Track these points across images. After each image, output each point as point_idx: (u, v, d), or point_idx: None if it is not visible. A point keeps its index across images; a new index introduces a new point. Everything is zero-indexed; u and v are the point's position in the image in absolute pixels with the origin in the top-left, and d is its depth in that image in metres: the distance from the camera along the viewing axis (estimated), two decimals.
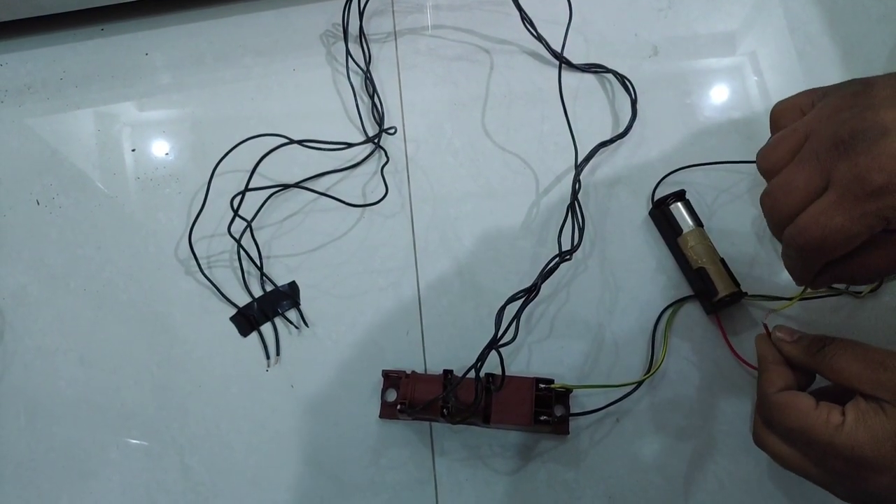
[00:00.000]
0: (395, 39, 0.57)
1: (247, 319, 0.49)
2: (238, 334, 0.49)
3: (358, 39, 0.55)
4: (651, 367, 0.45)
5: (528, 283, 0.42)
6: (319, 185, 0.52)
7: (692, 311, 0.46)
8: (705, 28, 0.54)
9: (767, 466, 0.43)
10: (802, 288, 0.37)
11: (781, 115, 0.35)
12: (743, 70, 0.53)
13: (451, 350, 0.47)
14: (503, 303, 0.40)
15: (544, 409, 0.42)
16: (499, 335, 0.39)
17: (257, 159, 0.51)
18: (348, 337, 0.48)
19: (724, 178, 0.49)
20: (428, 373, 0.46)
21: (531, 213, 0.50)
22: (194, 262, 0.50)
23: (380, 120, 0.53)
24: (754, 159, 0.48)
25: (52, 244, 0.53)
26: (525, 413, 0.41)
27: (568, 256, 0.43)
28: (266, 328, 0.49)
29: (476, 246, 0.50)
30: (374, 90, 0.54)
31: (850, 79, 0.33)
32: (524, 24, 0.52)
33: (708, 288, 0.44)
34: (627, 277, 0.48)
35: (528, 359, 0.46)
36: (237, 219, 0.50)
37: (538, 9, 0.52)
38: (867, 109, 0.30)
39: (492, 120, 0.53)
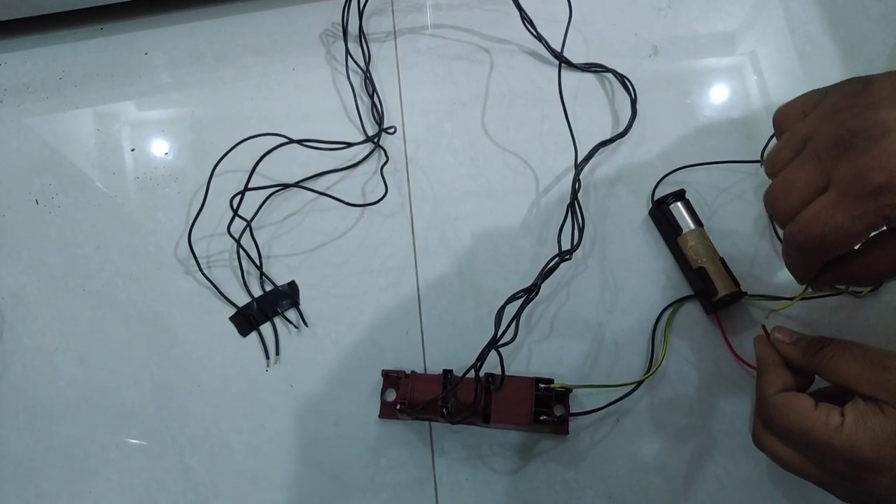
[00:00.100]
0: (395, 39, 0.57)
1: (246, 319, 0.49)
2: (237, 334, 0.49)
3: (357, 39, 0.55)
4: (651, 367, 0.45)
5: (527, 283, 0.42)
6: (319, 184, 0.52)
7: (692, 311, 0.46)
8: (705, 28, 0.54)
9: (767, 466, 0.43)
10: (803, 288, 0.37)
11: (784, 118, 0.35)
12: (743, 70, 0.53)
13: (451, 350, 0.47)
14: (503, 302, 0.40)
15: (544, 408, 0.42)
16: (498, 335, 0.39)
17: (257, 159, 0.51)
18: (348, 337, 0.48)
19: (724, 178, 0.49)
20: (427, 372, 0.46)
21: (531, 212, 0.50)
22: (194, 262, 0.50)
23: (379, 119, 0.53)
24: (754, 159, 0.49)
25: (51, 244, 0.53)
26: (525, 413, 0.41)
27: (568, 256, 0.43)
28: (265, 328, 0.49)
29: (476, 245, 0.50)
30: (374, 89, 0.54)
31: (850, 77, 0.33)
32: (524, 23, 0.52)
33: (708, 288, 0.44)
34: (627, 277, 0.48)
35: (527, 358, 0.46)
36: (237, 218, 0.50)
37: (538, 8, 0.52)
38: (867, 108, 0.30)
39: (492, 119, 0.53)
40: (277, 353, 0.48)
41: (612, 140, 0.51)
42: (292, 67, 0.56)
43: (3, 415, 0.48)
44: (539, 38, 0.53)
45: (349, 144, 0.51)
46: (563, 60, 0.51)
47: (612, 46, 0.54)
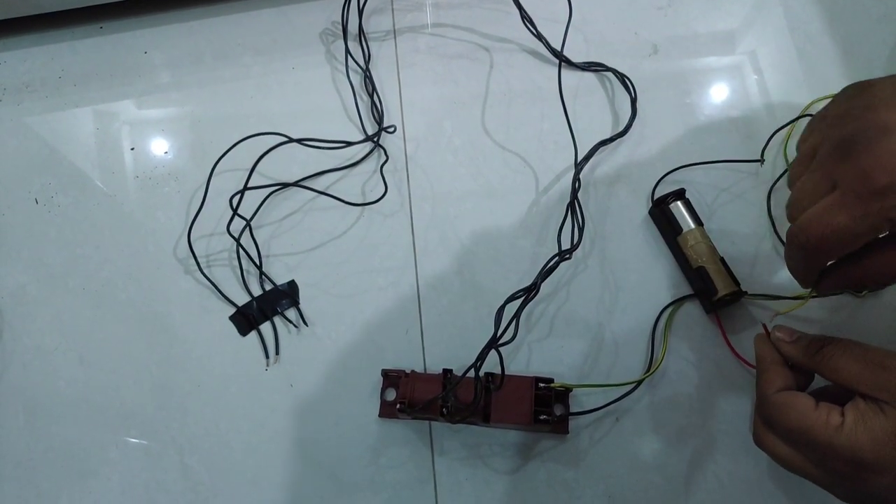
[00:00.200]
0: (395, 38, 0.57)
1: (246, 319, 0.49)
2: (237, 333, 0.49)
3: (357, 38, 0.55)
4: (651, 367, 0.45)
5: (527, 283, 0.42)
6: (319, 183, 0.52)
7: (692, 311, 0.46)
8: (705, 27, 0.54)
9: (767, 466, 0.43)
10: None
11: (801, 143, 0.36)
12: (743, 69, 0.53)
13: (451, 349, 0.47)
14: (503, 302, 0.40)
15: (544, 408, 0.42)
16: (498, 334, 0.39)
17: (256, 158, 0.50)
18: (348, 336, 0.48)
19: (724, 177, 0.49)
20: (427, 372, 0.46)
21: (531, 211, 0.50)
22: (193, 261, 0.50)
23: (379, 118, 0.53)
24: (754, 158, 0.49)
25: (50, 243, 0.52)
26: (525, 412, 0.41)
27: (567, 255, 0.43)
28: (265, 327, 0.49)
29: (476, 245, 0.50)
30: (374, 89, 0.54)
31: (852, 83, 0.33)
32: (524, 22, 0.52)
33: (707, 287, 0.44)
34: (627, 276, 0.48)
35: (527, 358, 0.46)
36: (236, 217, 0.49)
37: (538, 7, 0.52)
38: (867, 111, 0.30)
39: (491, 118, 0.53)
40: (277, 352, 0.48)
41: (612, 139, 0.51)
42: (292, 66, 0.56)
43: (3, 415, 0.48)
44: (539, 36, 0.53)
45: (349, 143, 0.51)
46: (563, 59, 0.51)
47: (612, 45, 0.54)
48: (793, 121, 0.49)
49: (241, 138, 0.50)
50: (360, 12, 0.55)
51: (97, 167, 0.54)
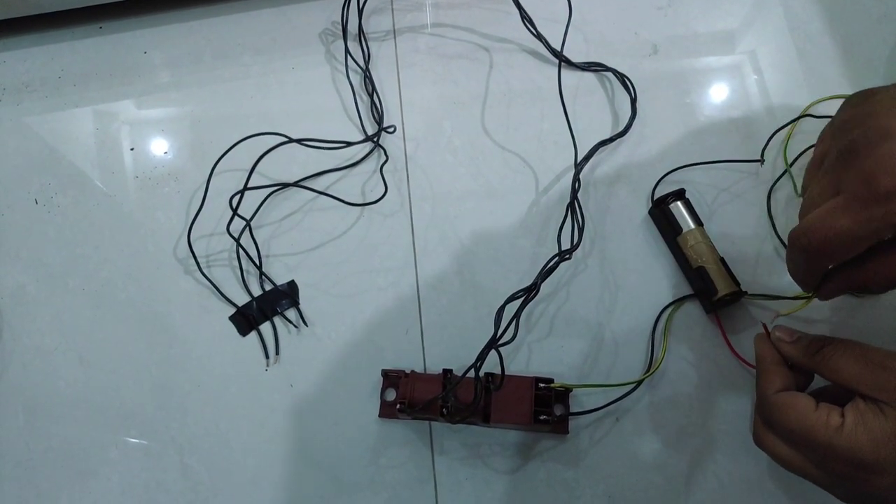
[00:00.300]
0: (395, 38, 0.57)
1: (246, 319, 0.49)
2: (237, 334, 0.49)
3: (357, 38, 0.55)
4: (650, 367, 0.45)
5: (527, 283, 0.42)
6: (318, 183, 0.52)
7: (692, 311, 0.46)
8: (705, 27, 0.54)
9: (767, 466, 0.43)
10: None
11: (813, 153, 0.36)
12: (742, 69, 0.53)
13: (451, 349, 0.47)
14: (503, 302, 0.40)
15: (544, 408, 0.42)
16: (498, 334, 0.39)
17: (256, 158, 0.50)
18: (347, 336, 0.48)
19: (724, 177, 0.49)
20: (427, 372, 0.46)
21: (531, 211, 0.50)
22: (193, 262, 0.50)
23: (379, 118, 0.53)
24: (754, 158, 0.49)
25: (50, 243, 0.52)
26: (525, 412, 0.41)
27: (567, 255, 0.43)
28: (265, 327, 0.49)
29: (476, 245, 0.50)
30: (374, 89, 0.54)
31: (855, 91, 0.34)
32: (524, 22, 0.52)
33: (707, 287, 0.44)
34: (627, 276, 0.48)
35: (527, 358, 0.46)
36: (236, 218, 0.49)
37: (538, 7, 0.52)
38: (868, 117, 0.31)
39: (491, 118, 0.53)
40: (277, 352, 0.48)
41: (611, 139, 0.51)
42: (292, 66, 0.56)
43: (3, 415, 0.48)
44: (539, 36, 0.53)
45: (349, 143, 0.51)
46: (562, 59, 0.51)
47: (611, 45, 0.54)
48: (793, 121, 0.49)
49: (240, 138, 0.50)
50: (360, 12, 0.55)
51: (97, 167, 0.54)
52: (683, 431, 0.44)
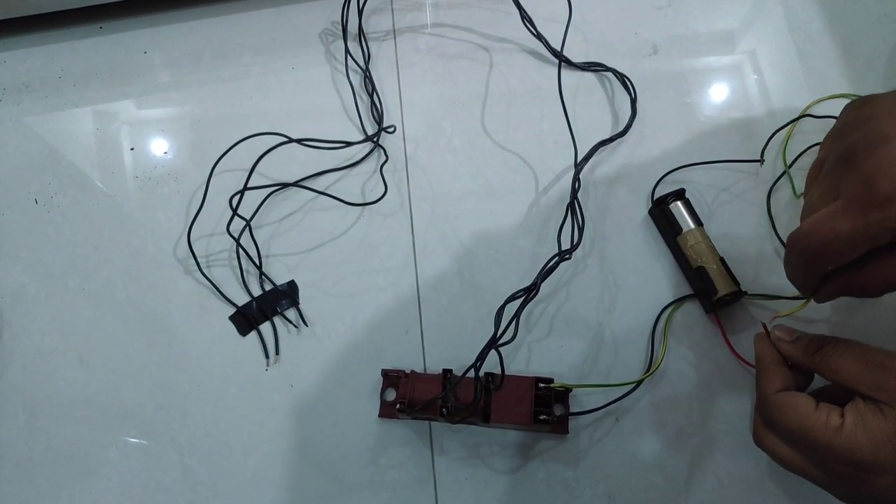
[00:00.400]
0: (395, 38, 0.57)
1: (246, 319, 0.49)
2: (237, 334, 0.49)
3: (357, 38, 0.55)
4: (650, 366, 0.45)
5: (527, 283, 0.42)
6: (318, 183, 0.52)
7: (692, 311, 0.46)
8: (705, 27, 0.54)
9: (767, 465, 0.43)
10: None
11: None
12: (742, 69, 0.53)
13: (451, 349, 0.47)
14: (503, 302, 0.40)
15: (544, 408, 0.42)
16: (498, 334, 0.39)
17: (256, 158, 0.50)
18: (347, 336, 0.48)
19: (724, 177, 0.49)
20: (427, 372, 0.46)
21: (531, 211, 0.50)
22: (193, 262, 0.50)
23: (379, 118, 0.53)
24: (754, 158, 0.49)
25: (50, 243, 0.52)
26: (524, 412, 0.41)
27: (567, 255, 0.43)
28: (265, 327, 0.49)
29: (475, 245, 0.50)
30: (374, 88, 0.54)
31: (855, 96, 0.34)
32: (524, 22, 0.52)
33: (707, 287, 0.44)
34: (627, 276, 0.48)
35: (527, 358, 0.46)
36: (236, 218, 0.49)
37: (538, 7, 0.52)
38: (868, 121, 0.31)
39: (491, 118, 0.53)
40: (277, 352, 0.48)
41: (611, 139, 0.51)
42: (292, 66, 0.56)
43: (3, 415, 0.48)
44: (539, 36, 0.53)
45: (348, 143, 0.51)
46: (562, 59, 0.51)
47: (611, 45, 0.54)
48: (793, 121, 0.49)
49: (240, 138, 0.50)
50: (360, 12, 0.55)
51: (97, 167, 0.54)
52: (683, 431, 0.44)
